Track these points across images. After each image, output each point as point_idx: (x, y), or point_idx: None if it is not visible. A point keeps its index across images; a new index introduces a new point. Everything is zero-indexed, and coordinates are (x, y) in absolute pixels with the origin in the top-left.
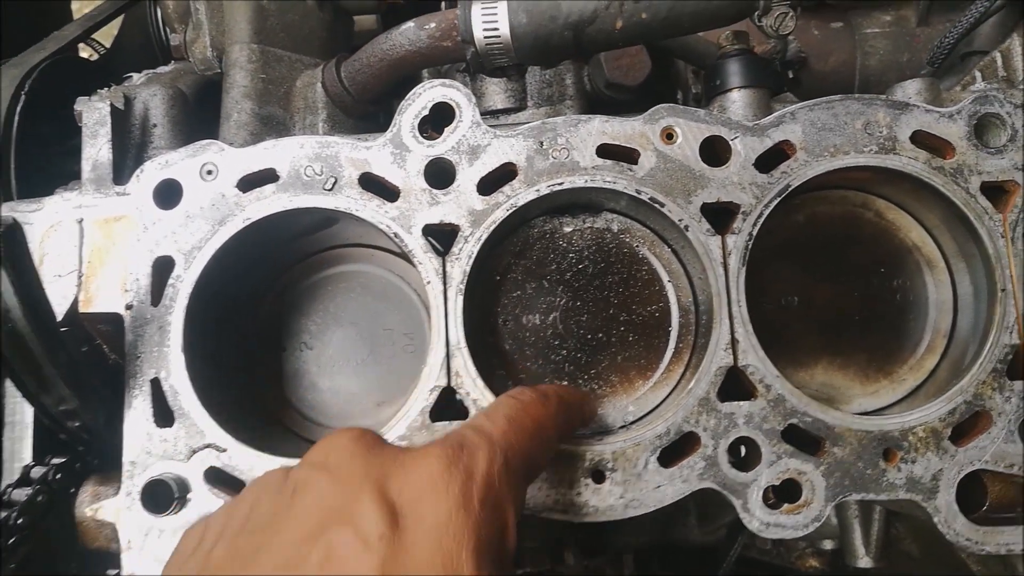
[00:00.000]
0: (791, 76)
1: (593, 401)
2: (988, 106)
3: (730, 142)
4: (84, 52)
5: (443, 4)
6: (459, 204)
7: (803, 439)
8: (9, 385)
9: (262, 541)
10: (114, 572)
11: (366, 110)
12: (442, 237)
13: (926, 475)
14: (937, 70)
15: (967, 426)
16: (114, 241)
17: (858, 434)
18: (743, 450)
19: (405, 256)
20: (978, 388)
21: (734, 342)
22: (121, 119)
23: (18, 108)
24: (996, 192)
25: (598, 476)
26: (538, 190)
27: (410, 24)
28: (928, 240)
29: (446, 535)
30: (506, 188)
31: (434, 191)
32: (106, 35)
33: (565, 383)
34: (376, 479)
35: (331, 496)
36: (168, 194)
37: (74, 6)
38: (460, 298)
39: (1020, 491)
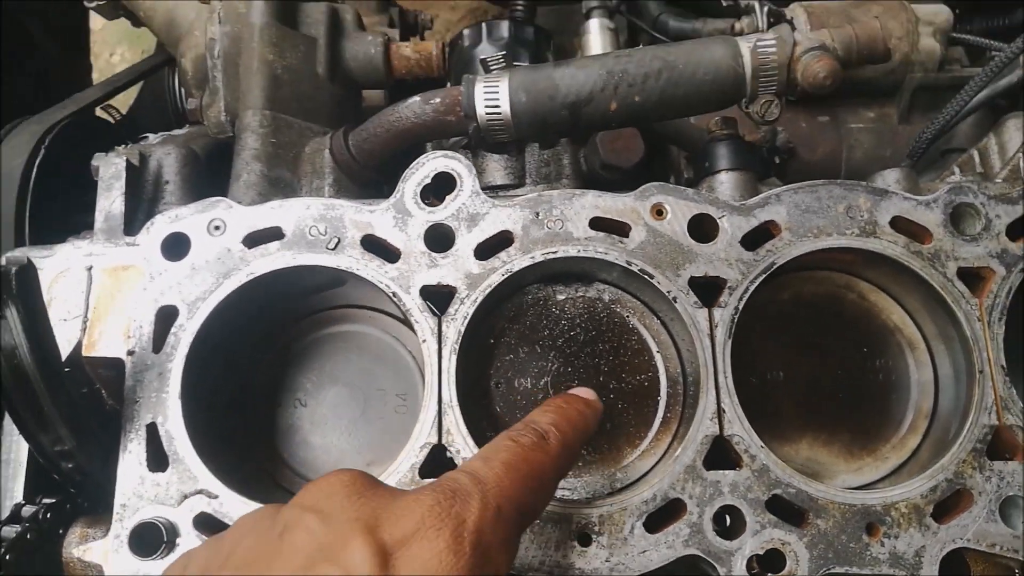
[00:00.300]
0: (777, 162)
1: (595, 406)
2: (963, 196)
3: (717, 220)
4: (100, 116)
5: (448, 84)
6: (457, 267)
7: (787, 510)
8: (6, 423)
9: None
10: None
11: (370, 177)
12: (439, 299)
13: (909, 551)
14: (916, 163)
15: (949, 504)
16: (121, 289)
17: (841, 507)
18: (728, 519)
19: (402, 319)
20: (959, 467)
21: (720, 412)
22: (135, 174)
23: (37, 162)
24: (972, 278)
25: (584, 539)
26: (533, 257)
27: (416, 98)
28: (909, 322)
29: None
30: (502, 254)
31: (433, 254)
32: (122, 103)
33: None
34: (367, 521)
35: (321, 536)
36: (176, 247)
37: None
38: (454, 357)
39: (1002, 571)
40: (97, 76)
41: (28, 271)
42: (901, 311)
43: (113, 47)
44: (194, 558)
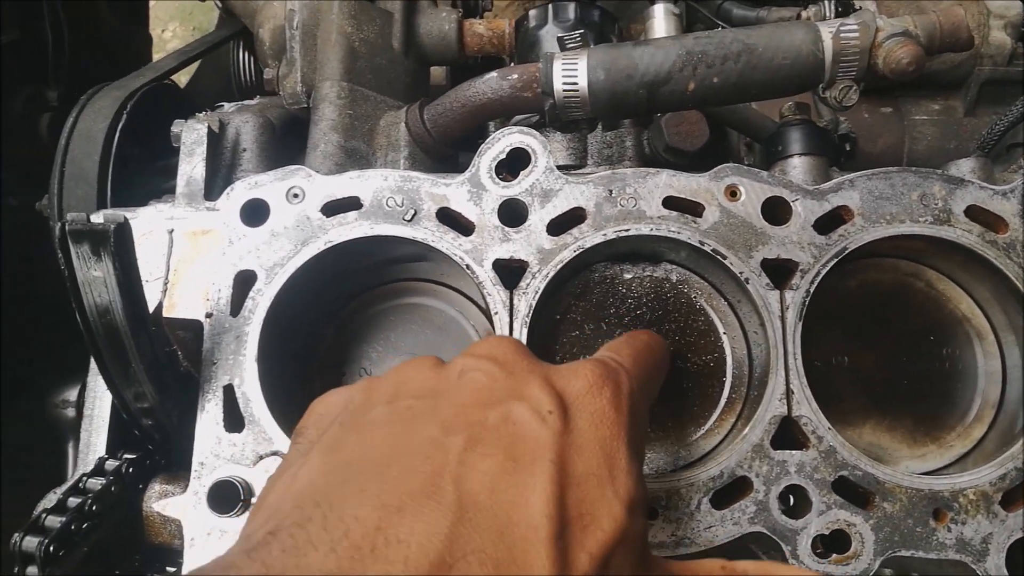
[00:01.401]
0: (848, 149)
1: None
2: None
3: (791, 203)
4: None
5: (510, 63)
6: (529, 242)
7: (853, 492)
8: (90, 379)
9: (428, 405)
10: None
11: (444, 152)
12: (510, 274)
13: (976, 538)
14: (988, 154)
15: (1017, 493)
16: (200, 253)
17: (908, 492)
18: (793, 499)
19: (467, 295)
20: None
21: (789, 393)
22: (215, 141)
23: (119, 127)
24: None
25: (651, 513)
26: (605, 234)
27: (493, 74)
28: (978, 312)
29: (604, 424)
30: (574, 231)
31: (506, 229)
32: (180, 77)
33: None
34: (544, 374)
35: (502, 379)
36: (255, 213)
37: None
38: (524, 331)
39: None
40: (152, 51)
41: (124, 229)
42: (970, 301)
43: (166, 23)
44: (353, 395)
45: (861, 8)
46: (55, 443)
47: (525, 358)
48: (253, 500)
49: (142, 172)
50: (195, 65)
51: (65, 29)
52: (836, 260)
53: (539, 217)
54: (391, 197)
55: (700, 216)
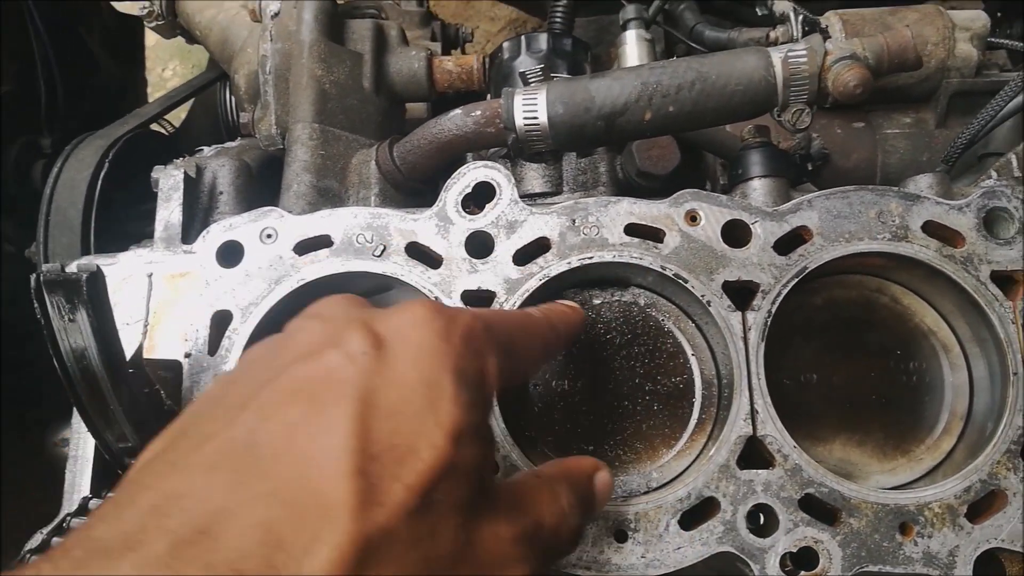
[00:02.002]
0: (810, 169)
1: (578, 309)
2: (996, 200)
3: (750, 225)
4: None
5: (488, 96)
6: (496, 273)
7: (820, 509)
8: (74, 422)
9: (255, 372)
10: None
11: (415, 187)
12: (479, 304)
13: (943, 551)
14: (951, 168)
15: (983, 505)
16: (179, 295)
17: (874, 507)
18: (761, 517)
19: None
20: (993, 468)
21: (753, 413)
22: (192, 186)
23: (101, 175)
24: (1006, 281)
25: (621, 536)
26: (569, 263)
27: (457, 111)
28: (943, 325)
29: (425, 356)
30: (540, 260)
31: (474, 260)
32: (174, 116)
33: (586, 450)
34: (364, 319)
35: (320, 331)
36: (230, 254)
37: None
38: None
39: None
40: (151, 90)
41: (97, 278)
42: (935, 314)
43: (165, 62)
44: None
45: (817, 32)
46: (54, 481)
47: (351, 308)
48: None
49: (126, 216)
50: (188, 105)
51: (58, 78)
52: (797, 280)
53: (505, 248)
54: (360, 234)
55: (661, 242)
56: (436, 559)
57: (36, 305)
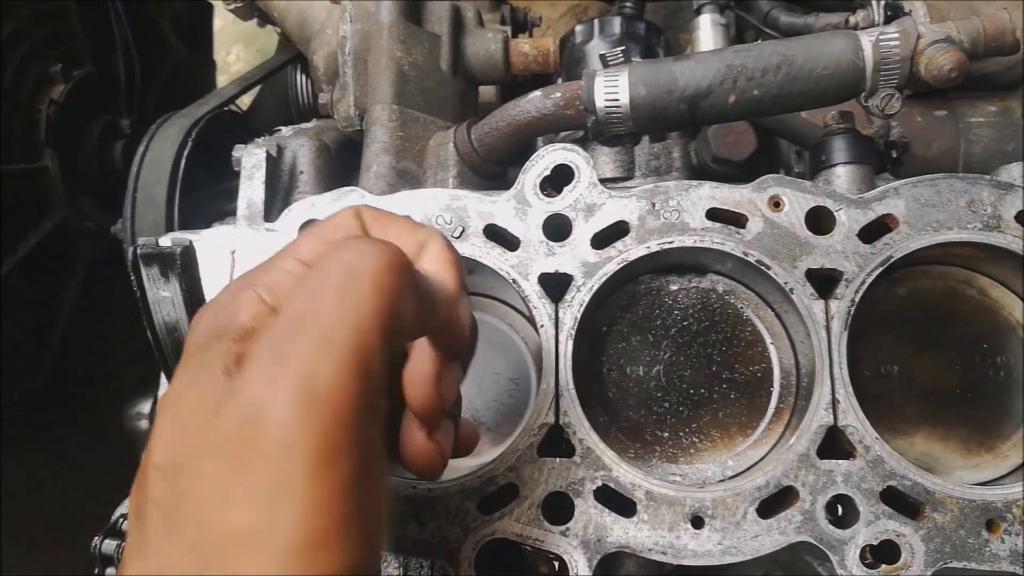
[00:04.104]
0: (894, 156)
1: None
2: None
3: (835, 213)
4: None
5: (559, 80)
6: (573, 256)
7: (902, 502)
8: (160, 393)
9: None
10: None
11: (492, 170)
12: (556, 287)
13: None
14: None
15: None
16: None
17: (959, 502)
18: (840, 509)
19: (517, 308)
20: None
21: (835, 402)
22: (273, 165)
23: (185, 153)
24: None
25: (697, 522)
26: (648, 247)
27: (537, 93)
28: None
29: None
30: (618, 244)
31: (551, 243)
32: (242, 100)
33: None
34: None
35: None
36: None
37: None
38: (570, 342)
39: None
40: (216, 74)
41: (190, 252)
42: None
43: (229, 47)
44: None
45: (910, 12)
46: (132, 452)
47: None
48: None
49: (207, 194)
50: (256, 89)
51: (136, 61)
52: (881, 269)
53: (583, 231)
54: (440, 215)
55: (744, 227)
56: None
57: (132, 277)
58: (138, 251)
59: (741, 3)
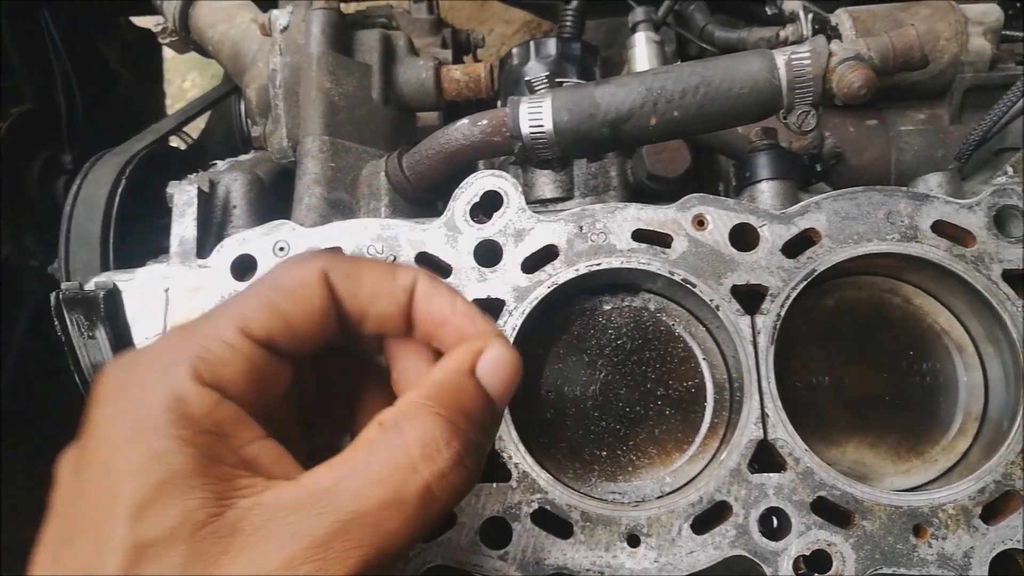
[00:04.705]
0: (819, 169)
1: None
2: (1006, 199)
3: (758, 229)
4: (174, 141)
5: (499, 103)
6: (505, 281)
7: (832, 512)
8: None
9: None
10: None
11: (424, 197)
12: (490, 312)
13: (957, 552)
14: (963, 165)
15: (998, 506)
16: (194, 309)
17: (887, 509)
18: (774, 521)
19: None
20: (1007, 468)
21: (764, 416)
22: (206, 200)
23: (119, 192)
24: (1018, 280)
25: (633, 540)
26: (577, 269)
27: (464, 121)
28: (956, 325)
29: None
30: (548, 268)
31: (482, 269)
32: (192, 128)
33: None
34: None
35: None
36: (244, 267)
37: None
38: None
39: None
40: (170, 102)
41: (114, 295)
42: (948, 314)
43: (184, 74)
44: None
45: (837, 24)
46: None
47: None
48: None
49: (145, 230)
50: (205, 117)
51: (78, 95)
52: (805, 283)
53: (513, 256)
54: (371, 245)
55: (669, 247)
56: None
57: (56, 322)
58: (61, 296)
59: (679, 20)
